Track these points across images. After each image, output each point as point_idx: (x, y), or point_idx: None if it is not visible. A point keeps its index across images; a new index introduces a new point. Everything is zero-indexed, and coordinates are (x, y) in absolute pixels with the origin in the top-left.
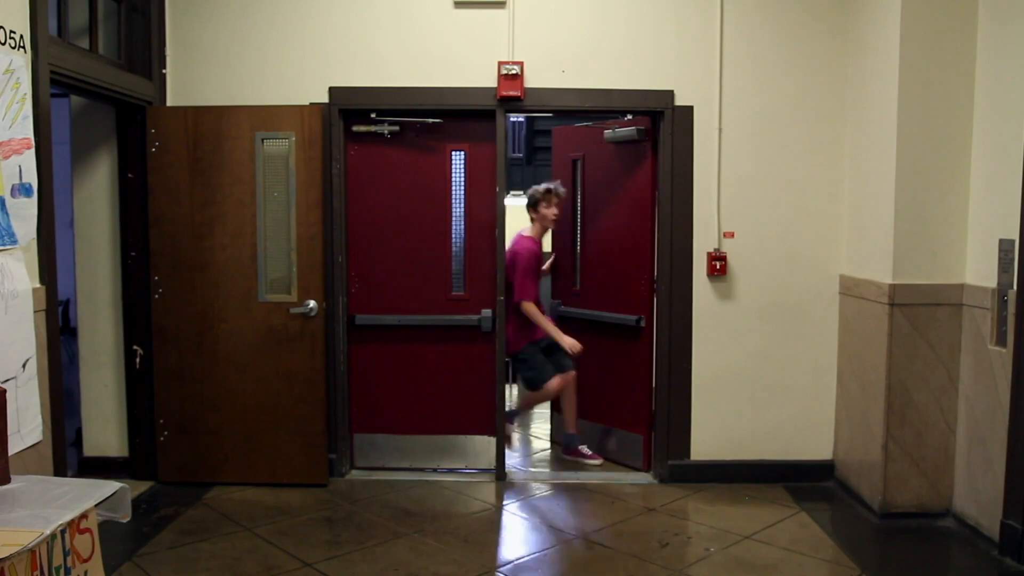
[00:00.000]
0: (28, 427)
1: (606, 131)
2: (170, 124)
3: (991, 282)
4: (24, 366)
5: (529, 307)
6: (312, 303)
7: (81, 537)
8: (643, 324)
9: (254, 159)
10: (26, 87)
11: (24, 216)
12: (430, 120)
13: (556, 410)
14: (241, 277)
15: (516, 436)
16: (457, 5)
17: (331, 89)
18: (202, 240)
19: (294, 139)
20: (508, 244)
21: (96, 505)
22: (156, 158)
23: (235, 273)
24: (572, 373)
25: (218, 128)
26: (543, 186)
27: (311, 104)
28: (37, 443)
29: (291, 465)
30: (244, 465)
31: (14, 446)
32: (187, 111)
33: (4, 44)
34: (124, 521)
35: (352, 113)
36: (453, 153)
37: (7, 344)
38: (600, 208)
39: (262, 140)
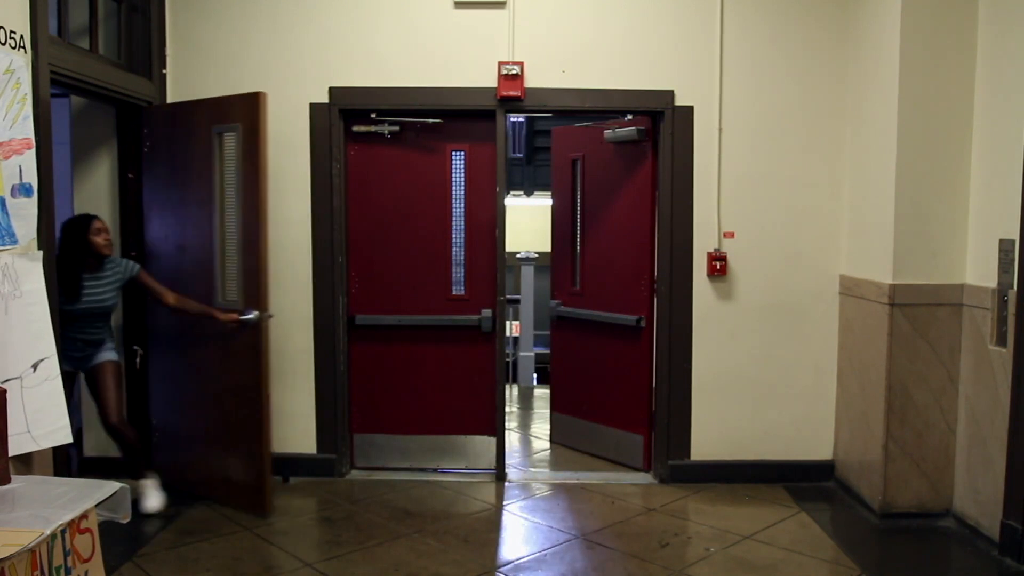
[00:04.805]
0: (44, 429)
1: (606, 131)
2: (158, 123)
3: (991, 282)
4: (36, 367)
5: None
6: (253, 313)
7: (81, 537)
8: (643, 324)
9: (211, 154)
10: (26, 87)
11: (24, 216)
12: (430, 120)
13: (555, 410)
14: (205, 282)
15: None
16: (457, 5)
17: (331, 89)
18: (178, 240)
19: (240, 130)
20: None
21: (96, 505)
22: (148, 158)
23: (200, 277)
24: None
25: (188, 124)
26: None
27: (259, 92)
28: (62, 445)
29: (233, 486)
30: (204, 478)
31: (25, 446)
32: (170, 108)
33: (4, 44)
34: (124, 522)
35: (352, 113)
36: (453, 153)
37: (8, 344)
38: (600, 208)
39: (218, 134)
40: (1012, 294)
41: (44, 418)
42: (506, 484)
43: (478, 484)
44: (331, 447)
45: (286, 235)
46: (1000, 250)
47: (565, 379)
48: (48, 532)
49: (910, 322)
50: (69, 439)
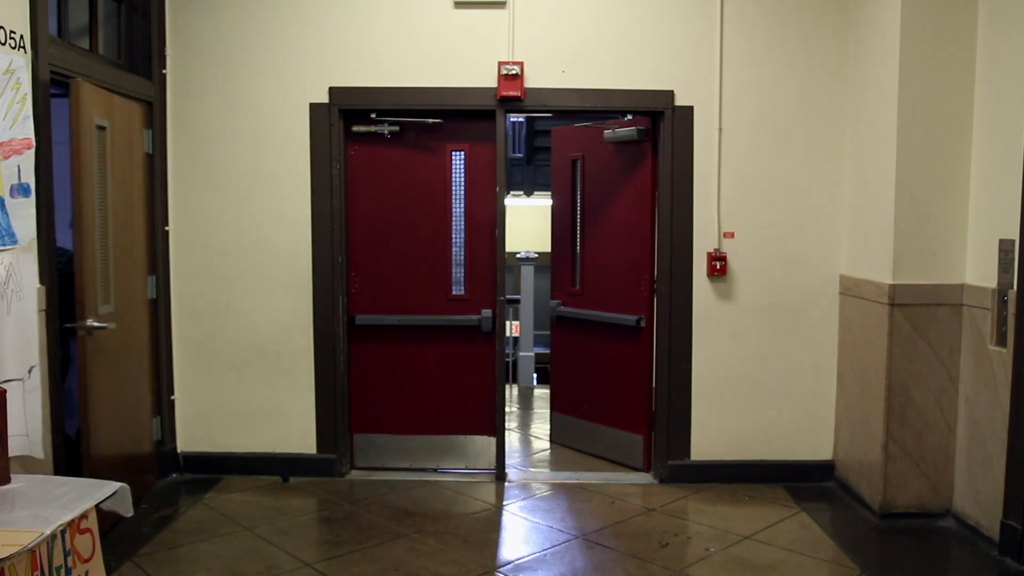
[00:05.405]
0: (38, 435)
1: (606, 131)
2: None
3: (991, 282)
4: (30, 372)
5: None
6: (89, 321)
7: (81, 537)
8: (643, 324)
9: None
10: (26, 87)
11: (23, 216)
12: (430, 120)
13: (555, 410)
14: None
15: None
16: (457, 5)
17: (331, 89)
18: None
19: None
20: None
21: (96, 505)
22: None
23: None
24: None
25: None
26: None
27: (73, 79)
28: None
29: None
30: None
31: (25, 449)
32: None
33: (4, 44)
34: (127, 516)
35: (352, 113)
36: (453, 153)
37: (10, 345)
38: (600, 208)
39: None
40: (1012, 294)
41: (37, 422)
42: (506, 484)
43: (478, 484)
44: (331, 447)
45: (286, 235)
46: (1000, 250)
47: (565, 379)
48: (48, 532)
49: (910, 322)
50: (42, 456)
